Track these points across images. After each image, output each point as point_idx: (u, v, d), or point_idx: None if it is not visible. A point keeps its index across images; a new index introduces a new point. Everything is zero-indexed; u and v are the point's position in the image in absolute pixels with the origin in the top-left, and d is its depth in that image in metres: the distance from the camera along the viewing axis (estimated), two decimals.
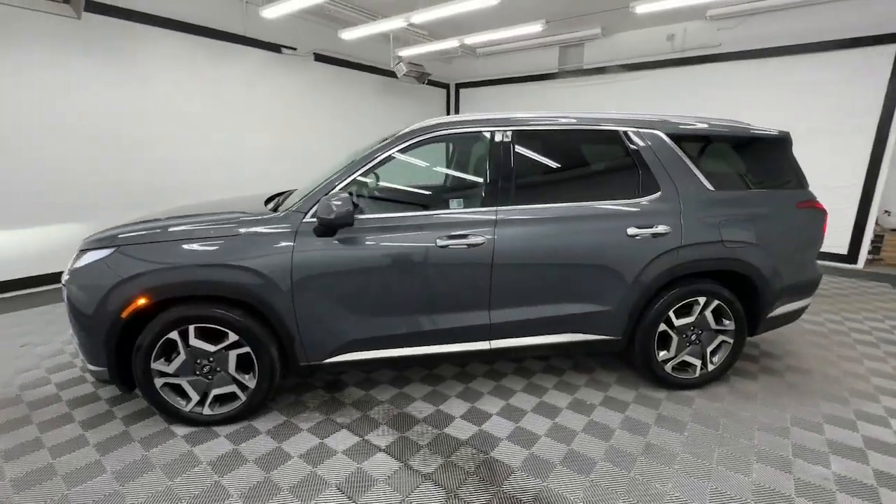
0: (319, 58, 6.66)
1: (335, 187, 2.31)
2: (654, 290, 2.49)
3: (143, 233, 2.24)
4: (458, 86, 9.27)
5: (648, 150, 2.54)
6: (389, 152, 2.38)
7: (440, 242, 2.30)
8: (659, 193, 2.52)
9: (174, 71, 5.11)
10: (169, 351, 2.23)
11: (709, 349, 2.69)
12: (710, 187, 2.58)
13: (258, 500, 1.85)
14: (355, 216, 2.27)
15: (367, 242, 2.27)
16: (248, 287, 2.18)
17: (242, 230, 2.24)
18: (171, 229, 2.24)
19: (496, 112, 2.53)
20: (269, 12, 4.82)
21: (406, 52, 6.52)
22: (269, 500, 1.85)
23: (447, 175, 3.15)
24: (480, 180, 2.49)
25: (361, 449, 2.18)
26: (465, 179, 2.96)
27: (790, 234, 2.67)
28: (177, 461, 2.08)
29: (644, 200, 2.50)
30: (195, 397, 2.30)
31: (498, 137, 2.46)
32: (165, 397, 2.28)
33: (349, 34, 5.77)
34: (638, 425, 2.38)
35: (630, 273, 2.46)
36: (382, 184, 2.60)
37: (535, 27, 5.48)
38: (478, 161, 2.71)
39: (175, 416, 2.31)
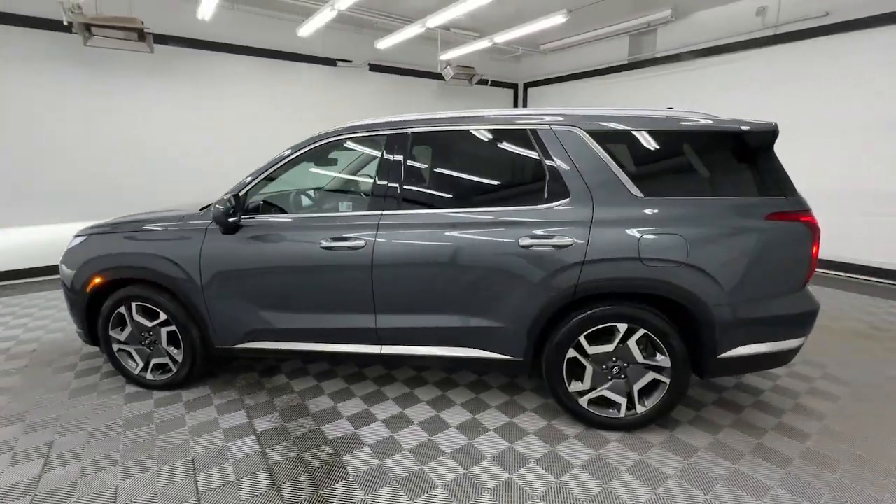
0: (374, 68, 7.12)
1: (243, 188, 2.54)
2: (553, 309, 2.19)
3: (105, 225, 2.77)
4: (527, 85, 8.96)
5: (560, 150, 2.23)
6: (294, 156, 2.53)
7: (324, 244, 2.36)
8: (567, 199, 2.20)
9: (241, 89, 6.00)
10: (121, 322, 2.72)
11: (636, 387, 2.25)
12: (638, 193, 2.16)
13: (135, 448, 2.17)
14: (253, 217, 2.48)
15: (261, 241, 2.45)
16: (168, 275, 2.54)
17: (171, 226, 2.61)
18: (123, 224, 2.73)
19: (405, 114, 2.48)
20: (304, 31, 5.35)
21: (447, 56, 6.57)
22: (140, 450, 2.15)
23: (349, 178, 3.16)
24: (371, 183, 2.47)
25: (240, 430, 2.37)
26: (360, 182, 2.95)
27: (752, 253, 2.07)
28: (106, 412, 2.53)
29: (548, 207, 2.20)
30: (140, 363, 2.76)
31: (395, 140, 2.42)
32: (120, 360, 2.78)
33: (384, 43, 6.06)
34: (515, 459, 2.12)
35: (524, 288, 2.20)
36: (289, 187, 2.76)
37: (557, 18, 5.05)
38: (375, 164, 2.67)
39: (128, 377, 2.81)
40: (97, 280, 2.64)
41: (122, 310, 2.66)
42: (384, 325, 2.40)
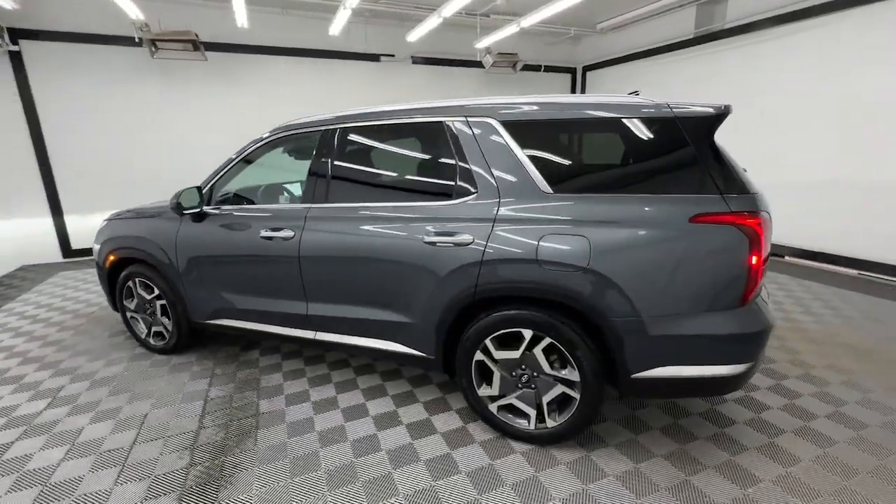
0: (417, 60, 7.22)
1: (207, 183, 2.83)
2: (456, 309, 2.11)
3: (123, 212, 3.29)
4: (586, 69, 8.34)
5: (472, 142, 2.12)
6: (246, 153, 2.75)
7: (263, 234, 2.56)
8: (475, 195, 2.09)
9: (291, 89, 6.54)
10: (131, 294, 3.24)
11: (545, 399, 2.08)
12: (547, 189, 1.97)
13: (117, 388, 2.61)
14: (219, 208, 2.77)
15: (218, 230, 2.73)
16: (156, 256, 2.96)
17: (163, 214, 3.01)
18: (134, 211, 3.21)
19: (342, 110, 2.55)
20: (333, 28, 5.62)
21: (484, 43, 6.39)
22: (120, 391, 2.58)
23: (293, 172, 3.24)
24: (305, 177, 2.58)
25: (197, 395, 2.69)
26: (299, 177, 3.03)
27: (671, 261, 1.77)
28: (116, 363, 3.06)
29: (456, 203, 2.12)
30: (145, 329, 3.26)
31: (326, 136, 2.50)
32: (132, 325, 3.31)
33: (414, 34, 6.11)
34: (407, 456, 2.11)
35: (429, 285, 2.15)
36: (248, 181, 2.98)
37: None
38: (309, 159, 2.74)
39: (138, 340, 3.34)
40: (112, 257, 3.17)
41: (131, 283, 3.17)
42: (314, 312, 2.54)
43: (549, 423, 2.10)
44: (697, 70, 6.32)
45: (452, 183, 2.15)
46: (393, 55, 7.05)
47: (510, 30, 5.39)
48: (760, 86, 5.54)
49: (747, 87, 5.67)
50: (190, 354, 3.23)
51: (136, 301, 3.20)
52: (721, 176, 1.77)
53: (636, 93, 2.26)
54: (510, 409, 2.19)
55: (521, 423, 2.16)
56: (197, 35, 5.21)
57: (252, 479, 1.99)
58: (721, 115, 1.78)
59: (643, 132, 1.88)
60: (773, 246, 5.41)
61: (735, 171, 1.80)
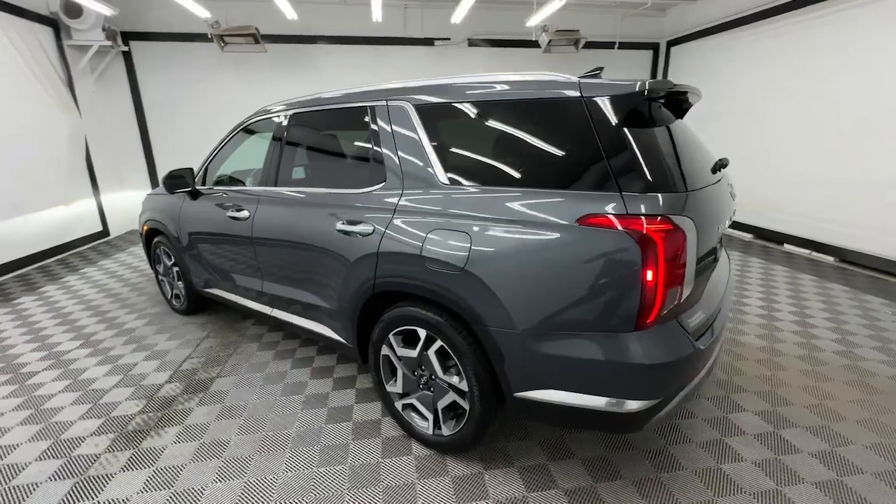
0: (473, 43, 7.01)
1: (202, 165, 3.12)
2: (362, 300, 2.06)
3: (156, 189, 3.79)
4: (671, 44, 7.30)
5: (387, 128, 2.01)
6: (230, 136, 2.97)
7: (228, 214, 2.76)
8: (384, 184, 1.99)
9: (339, 74, 6.81)
10: (160, 260, 3.74)
11: (440, 405, 1.94)
12: (444, 180, 1.80)
13: (141, 333, 3.09)
14: (212, 188, 3.04)
15: (204, 209, 3.00)
16: (169, 229, 3.37)
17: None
18: (160, 188, 3.69)
19: (299, 96, 2.60)
20: (374, 14, 5.68)
21: (536, 19, 5.93)
22: (142, 335, 3.05)
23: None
24: (263, 162, 2.67)
25: (182, 353, 3.04)
26: (260, 161, 3.07)
27: (552, 268, 1.49)
28: (156, 317, 3.59)
29: (367, 191, 2.05)
30: (170, 291, 3.76)
31: (282, 121, 2.58)
32: (162, 288, 3.85)
33: (457, 15, 5.90)
34: (308, 435, 2.15)
35: (341, 273, 2.14)
36: (241, 163, 3.18)
37: None
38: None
39: (166, 299, 3.87)
40: (146, 227, 3.70)
41: (158, 251, 3.67)
42: (267, 290, 2.68)
43: (445, 430, 1.96)
44: (805, 39, 5.14)
45: (368, 171, 2.09)
46: (448, 38, 6.95)
47: (559, 2, 4.91)
48: None
49: None
50: (199, 316, 3.65)
51: (162, 266, 3.70)
52: (626, 169, 1.44)
53: (598, 71, 1.93)
54: (414, 409, 2.09)
55: (423, 426, 2.05)
56: (257, 29, 5.70)
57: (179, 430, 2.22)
58: (634, 94, 1.44)
59: (548, 116, 1.61)
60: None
61: (655, 165, 1.45)
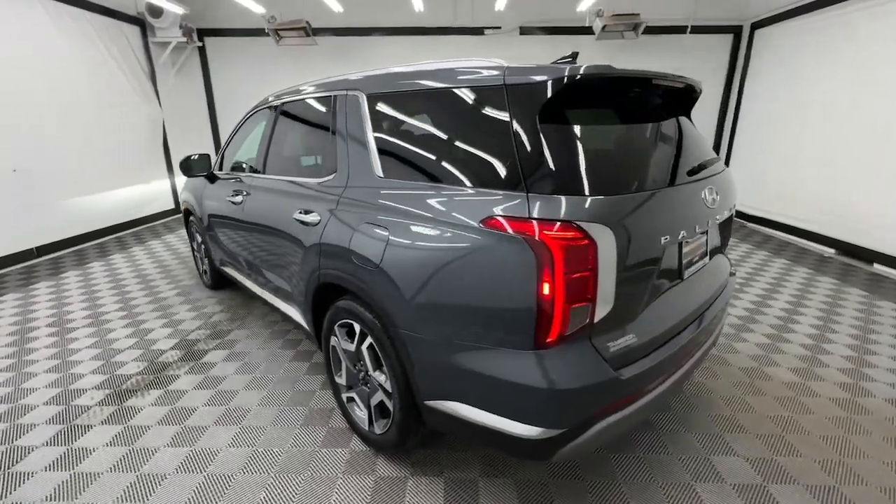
0: (525, 31, 6.70)
1: (222, 149, 3.34)
2: (311, 288, 2.08)
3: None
4: (755, 26, 6.38)
5: (343, 118, 1.99)
6: (237, 126, 3.13)
7: (227, 198, 2.93)
8: (335, 174, 1.98)
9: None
10: (193, 238, 4.11)
11: (372, 402, 1.90)
12: (379, 173, 1.73)
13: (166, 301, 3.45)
14: (223, 173, 3.25)
15: (215, 192, 3.22)
16: (195, 210, 3.67)
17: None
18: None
19: (291, 86, 2.66)
20: (416, 5, 5.62)
21: (583, 5, 5.47)
22: (169, 304, 3.41)
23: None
24: (258, 150, 2.77)
25: (198, 320, 3.32)
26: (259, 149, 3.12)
27: (456, 272, 1.36)
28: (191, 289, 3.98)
29: (321, 181, 2.05)
30: (201, 268, 4.11)
31: (271, 111, 2.66)
32: (196, 261, 4.22)
33: (500, 3, 5.64)
34: (263, 414, 2.23)
35: (296, 261, 2.17)
36: (243, 151, 3.33)
37: None
38: None
39: (199, 274, 4.24)
40: (184, 207, 4.07)
41: (192, 230, 4.03)
42: (254, 271, 2.82)
43: (376, 428, 1.92)
44: None
45: (325, 161, 2.08)
46: (499, 27, 6.72)
47: None
48: None
49: None
50: (222, 292, 3.95)
51: (195, 243, 4.06)
52: (535, 167, 1.27)
53: (572, 56, 1.74)
54: (356, 403, 2.07)
55: (361, 422, 2.03)
56: (308, 23, 5.96)
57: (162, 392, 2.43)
58: (557, 81, 1.27)
59: (471, 106, 1.47)
60: None
61: (568, 164, 1.26)
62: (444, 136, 1.58)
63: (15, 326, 3.29)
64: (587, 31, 6.32)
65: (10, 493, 1.80)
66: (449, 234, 1.40)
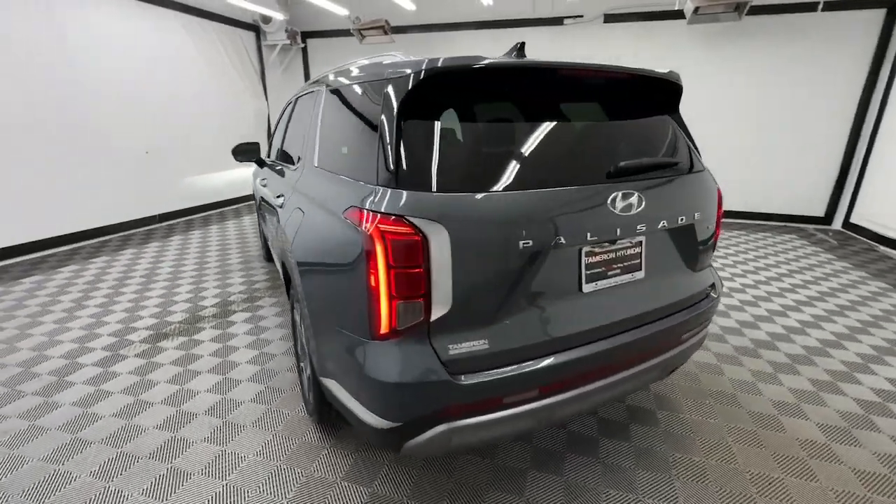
0: (611, 18, 6.20)
1: (272, 136, 3.79)
2: (280, 264, 2.31)
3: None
4: None
5: (309, 112, 2.17)
6: (279, 117, 3.52)
7: (261, 182, 3.33)
8: (300, 163, 2.17)
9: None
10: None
11: (304, 375, 2.06)
12: (315, 164, 1.87)
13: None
14: (270, 160, 3.71)
15: (261, 177, 3.68)
16: (254, 195, 4.23)
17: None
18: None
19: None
20: None
21: None
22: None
23: None
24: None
25: (242, 283, 3.87)
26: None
27: (327, 257, 1.42)
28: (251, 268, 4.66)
29: (292, 168, 2.27)
30: (262, 243, 4.74)
31: (293, 103, 2.95)
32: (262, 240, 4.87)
33: None
34: (183, 396, 2.55)
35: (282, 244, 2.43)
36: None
37: None
38: None
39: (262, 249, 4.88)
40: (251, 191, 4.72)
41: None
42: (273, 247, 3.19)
43: (310, 398, 2.09)
44: None
45: (300, 151, 2.28)
46: (581, 15, 6.33)
47: None
48: None
49: None
50: (273, 264, 4.51)
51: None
52: (385, 160, 1.28)
53: (520, 47, 1.70)
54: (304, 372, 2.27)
55: (304, 389, 2.21)
56: (387, 21, 6.32)
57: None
58: (416, 75, 1.26)
59: (368, 100, 1.52)
60: None
61: (416, 159, 1.25)
62: (349, 130, 1.65)
63: (120, 274, 4.19)
64: (679, 15, 5.62)
65: (55, 395, 2.38)
66: (327, 222, 1.48)
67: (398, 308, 1.23)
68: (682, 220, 1.58)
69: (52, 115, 4.76)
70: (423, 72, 1.25)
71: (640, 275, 1.56)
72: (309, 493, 1.73)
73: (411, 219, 1.20)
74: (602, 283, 1.49)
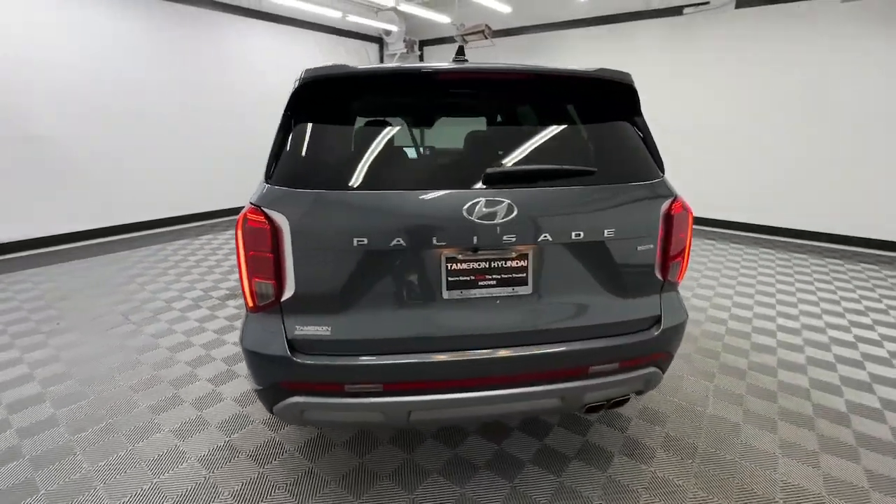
0: (742, 3, 5.22)
1: None
2: None
3: None
4: None
5: None
6: None
7: None
8: None
9: (569, 59, 6.60)
10: None
11: None
12: None
13: None
14: None
15: None
16: None
17: None
18: None
19: None
20: None
21: None
22: None
23: None
24: None
25: None
26: None
27: None
28: None
29: None
30: None
31: None
32: None
33: None
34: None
35: None
36: None
37: None
38: None
39: None
40: None
41: None
42: None
43: None
44: None
45: None
46: (707, 2, 5.47)
47: None
48: None
49: None
50: None
51: None
52: (274, 158, 1.49)
53: (460, 54, 1.77)
54: None
55: None
56: (487, 26, 6.43)
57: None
58: (298, 81, 1.45)
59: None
60: None
61: (289, 157, 1.44)
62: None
63: (211, 253, 5.22)
64: None
65: (144, 329, 3.20)
66: None
67: (254, 286, 1.42)
68: (578, 235, 1.40)
69: (218, 121, 6.23)
70: (299, 80, 1.41)
71: (524, 290, 1.44)
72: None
73: (265, 209, 1.37)
74: (471, 293, 1.43)
